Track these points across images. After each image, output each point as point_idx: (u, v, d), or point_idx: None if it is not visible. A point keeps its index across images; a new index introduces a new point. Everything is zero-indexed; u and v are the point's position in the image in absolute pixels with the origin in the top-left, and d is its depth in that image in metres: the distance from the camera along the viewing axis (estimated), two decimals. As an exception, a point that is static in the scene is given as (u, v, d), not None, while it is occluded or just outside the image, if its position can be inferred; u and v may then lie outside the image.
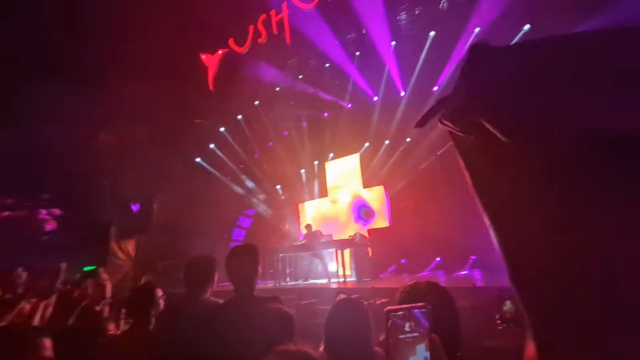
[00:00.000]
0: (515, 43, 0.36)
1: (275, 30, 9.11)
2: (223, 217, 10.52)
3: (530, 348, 0.34)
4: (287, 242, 8.62)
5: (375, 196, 8.98)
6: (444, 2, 7.82)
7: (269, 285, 7.33)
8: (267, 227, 10.29)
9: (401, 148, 8.46)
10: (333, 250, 7.11)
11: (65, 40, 7.92)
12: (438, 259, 7.29)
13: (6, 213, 9.30)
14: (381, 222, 8.67)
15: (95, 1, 8.03)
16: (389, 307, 0.55)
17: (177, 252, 8.39)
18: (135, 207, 9.95)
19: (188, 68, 10.02)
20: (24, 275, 2.87)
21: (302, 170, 10.31)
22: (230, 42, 9.85)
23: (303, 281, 7.43)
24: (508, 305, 2.92)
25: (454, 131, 0.37)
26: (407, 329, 0.52)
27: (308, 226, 7.83)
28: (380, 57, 8.61)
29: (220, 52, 10.20)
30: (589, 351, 0.29)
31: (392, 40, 8.47)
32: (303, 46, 9.11)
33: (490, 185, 0.36)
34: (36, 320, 2.47)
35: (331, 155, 10.04)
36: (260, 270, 1.80)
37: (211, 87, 10.31)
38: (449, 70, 7.54)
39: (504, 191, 0.35)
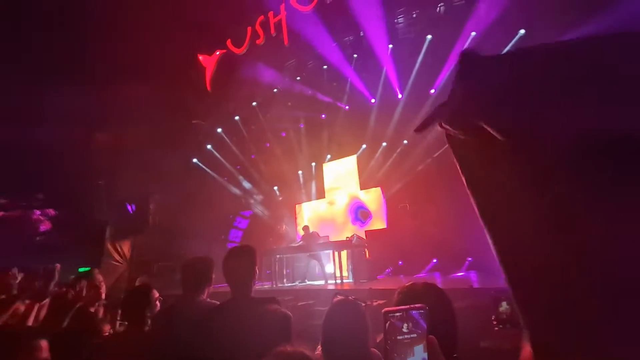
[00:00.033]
0: (508, 51, 0.36)
1: (273, 32, 9.11)
2: (220, 218, 10.47)
3: (526, 349, 0.34)
4: (284, 244, 8.62)
5: (372, 198, 8.99)
6: (441, 6, 7.88)
7: (266, 286, 7.31)
8: (264, 228, 10.28)
9: (398, 150, 8.49)
10: (330, 251, 7.09)
11: (63, 40, 7.87)
12: (434, 260, 7.32)
13: (0, 213, 9.20)
14: (378, 223, 8.68)
15: (92, 1, 7.99)
16: (386, 309, 0.55)
17: (173, 253, 8.35)
18: (131, 208, 9.88)
19: (185, 69, 10.01)
20: (20, 275, 2.83)
21: (300, 172, 10.30)
22: (228, 43, 9.85)
23: (300, 282, 7.41)
24: (504, 306, 2.94)
25: (452, 134, 0.38)
26: (405, 330, 0.52)
27: (305, 227, 7.82)
28: (378, 59, 8.65)
29: (218, 53, 10.19)
30: (589, 351, 0.29)
31: (390, 43, 8.52)
32: (301, 48, 9.11)
33: (485, 185, 0.36)
34: (30, 322, 2.45)
35: (328, 156, 10.04)
36: (257, 272, 1.79)
37: (209, 88, 10.29)
38: (446, 73, 7.60)
39: (498, 191, 0.35)
